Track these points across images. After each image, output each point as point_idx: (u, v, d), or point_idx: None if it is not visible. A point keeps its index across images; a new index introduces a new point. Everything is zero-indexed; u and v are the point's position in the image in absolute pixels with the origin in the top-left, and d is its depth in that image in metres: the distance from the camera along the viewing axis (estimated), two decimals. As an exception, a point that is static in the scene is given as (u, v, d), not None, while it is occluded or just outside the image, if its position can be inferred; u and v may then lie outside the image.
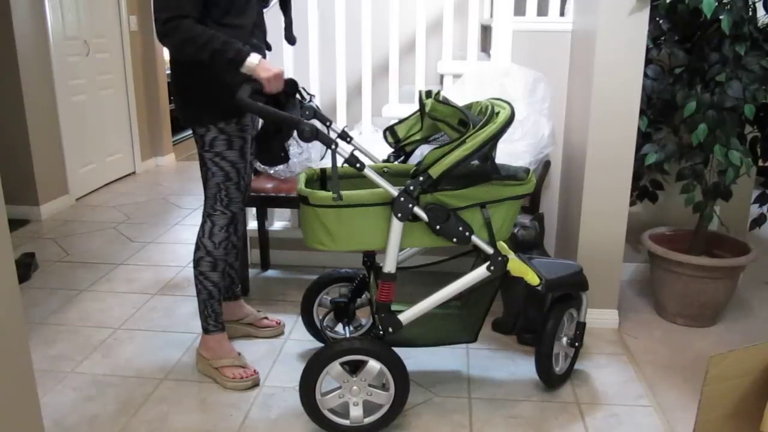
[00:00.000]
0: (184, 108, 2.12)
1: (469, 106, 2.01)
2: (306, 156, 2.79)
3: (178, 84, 2.11)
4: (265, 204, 3.03)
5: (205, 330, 2.27)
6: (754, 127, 2.57)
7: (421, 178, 1.78)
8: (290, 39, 2.28)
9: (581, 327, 2.19)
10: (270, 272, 3.20)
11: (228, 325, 2.48)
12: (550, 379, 2.16)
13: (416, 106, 2.15)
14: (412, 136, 2.18)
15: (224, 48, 1.90)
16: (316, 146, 2.70)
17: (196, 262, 2.20)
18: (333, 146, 1.78)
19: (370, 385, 1.90)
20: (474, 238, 1.87)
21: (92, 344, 2.50)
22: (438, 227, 1.83)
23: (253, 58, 1.92)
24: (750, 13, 2.31)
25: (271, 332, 2.53)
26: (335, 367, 1.87)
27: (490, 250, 1.90)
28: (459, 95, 2.53)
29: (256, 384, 2.22)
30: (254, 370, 2.23)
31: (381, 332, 1.91)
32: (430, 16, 3.43)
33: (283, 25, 2.26)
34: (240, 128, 2.10)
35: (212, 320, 2.26)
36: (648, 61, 2.45)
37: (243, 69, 1.93)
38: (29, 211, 4.00)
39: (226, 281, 2.48)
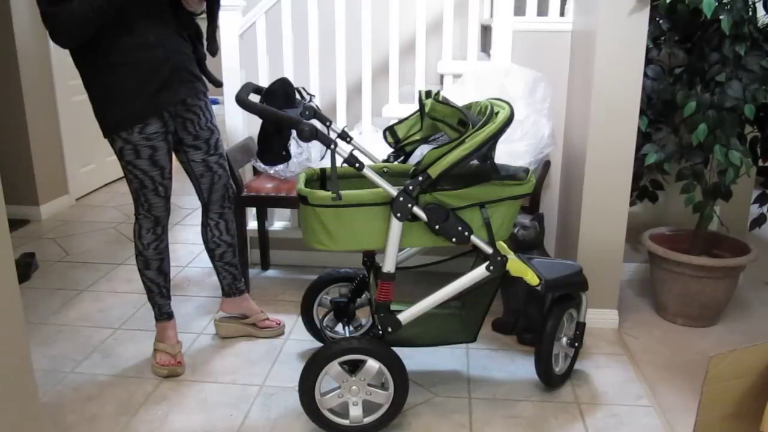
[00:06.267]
0: (96, 117, 2.13)
1: (469, 106, 2.01)
2: (306, 156, 2.79)
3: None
4: (265, 204, 3.03)
5: (155, 317, 2.37)
6: (754, 127, 2.57)
7: (420, 178, 1.78)
8: (211, 50, 2.24)
9: (581, 327, 2.19)
10: (270, 272, 3.20)
11: (230, 323, 2.53)
12: (550, 379, 2.16)
13: (416, 106, 2.15)
14: (412, 136, 2.18)
15: (90, 2, 1.87)
16: (316, 146, 2.70)
17: (136, 259, 2.31)
18: (332, 146, 1.78)
19: (369, 385, 1.90)
20: (473, 237, 1.87)
21: (92, 344, 2.50)
22: (437, 227, 1.83)
23: None
24: (750, 13, 2.30)
25: (272, 333, 2.54)
26: (334, 367, 1.87)
27: (489, 250, 1.90)
28: (459, 95, 2.53)
29: (172, 374, 2.26)
30: (178, 362, 2.28)
31: (380, 332, 1.91)
32: (430, 16, 3.42)
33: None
34: (145, 137, 2.09)
35: (156, 311, 2.37)
36: (648, 61, 2.45)
37: None
38: (29, 211, 3.99)
39: (227, 279, 2.50)
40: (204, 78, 2.25)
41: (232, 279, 2.51)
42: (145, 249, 2.26)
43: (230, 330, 2.53)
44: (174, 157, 2.27)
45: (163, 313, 2.36)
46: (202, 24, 2.24)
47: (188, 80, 2.15)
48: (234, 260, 2.49)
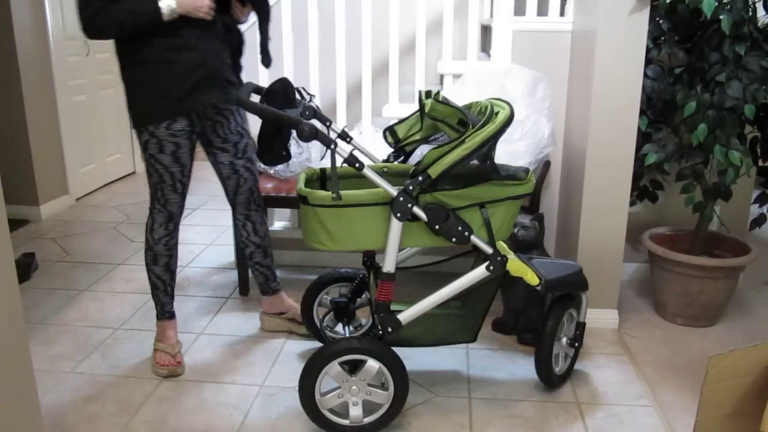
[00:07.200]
0: (127, 108, 2.17)
1: (469, 106, 2.01)
2: (306, 156, 2.79)
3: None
4: (265, 204, 3.02)
5: (156, 315, 2.37)
6: (754, 127, 2.57)
7: (420, 178, 1.78)
8: (264, 62, 2.27)
9: (581, 327, 2.19)
10: (270, 272, 3.20)
11: (270, 318, 2.57)
12: (550, 379, 2.16)
13: (416, 106, 2.15)
14: (412, 136, 2.18)
15: (134, 17, 1.95)
16: (316, 146, 2.70)
17: (145, 254, 2.30)
18: (332, 146, 1.78)
19: (369, 385, 1.90)
20: (473, 237, 1.87)
21: (92, 344, 2.50)
22: (437, 227, 1.83)
23: (166, 3, 1.95)
24: (750, 13, 2.30)
25: (308, 330, 2.51)
26: (334, 367, 1.87)
27: (489, 250, 1.90)
28: (459, 95, 2.53)
29: (172, 374, 2.26)
30: (177, 361, 2.28)
31: (380, 332, 1.91)
32: (430, 16, 3.43)
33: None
34: (171, 133, 2.11)
35: (158, 308, 2.36)
36: (648, 61, 2.45)
37: (166, 18, 1.96)
38: (29, 211, 4.00)
39: (259, 279, 2.54)
40: (238, 84, 2.28)
41: (264, 279, 2.53)
42: (155, 244, 2.26)
43: (272, 324, 2.57)
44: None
45: (165, 312, 2.36)
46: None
47: (222, 85, 2.17)
48: (265, 261, 2.50)
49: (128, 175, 5.16)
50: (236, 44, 2.27)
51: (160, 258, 2.27)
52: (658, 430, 2.00)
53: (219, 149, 2.28)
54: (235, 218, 2.45)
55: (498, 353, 2.44)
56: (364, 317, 2.44)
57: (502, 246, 1.97)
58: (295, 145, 2.65)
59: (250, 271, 3.01)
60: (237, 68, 2.29)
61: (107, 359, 2.39)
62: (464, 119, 1.85)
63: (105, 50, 4.78)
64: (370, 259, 2.24)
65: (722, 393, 1.56)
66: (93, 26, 1.98)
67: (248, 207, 2.40)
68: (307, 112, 1.96)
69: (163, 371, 2.26)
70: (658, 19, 2.48)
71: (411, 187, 1.79)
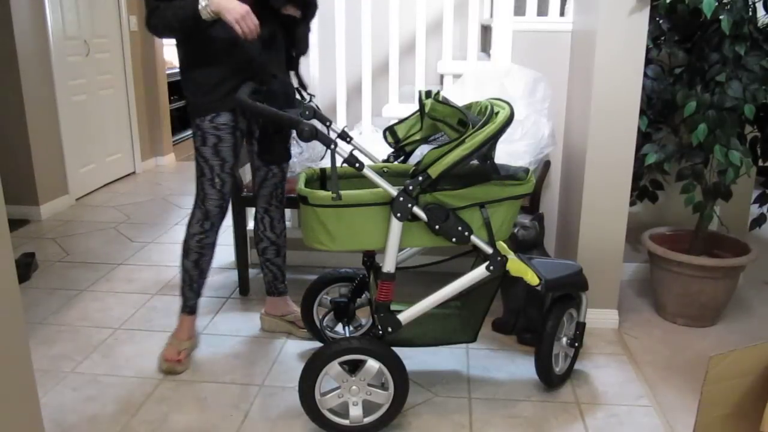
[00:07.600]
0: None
1: (469, 106, 2.01)
2: (306, 156, 2.79)
3: None
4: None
5: (180, 307, 2.39)
6: (754, 127, 2.57)
7: (420, 178, 1.78)
8: (301, 48, 2.29)
9: (581, 327, 2.19)
10: (270, 272, 3.19)
11: (270, 318, 2.58)
12: (550, 379, 2.16)
13: (416, 106, 2.15)
14: (412, 136, 2.18)
15: (177, 13, 1.99)
16: (316, 146, 2.70)
17: (182, 244, 2.32)
18: (332, 146, 1.78)
19: (369, 385, 1.90)
20: (473, 237, 1.87)
21: (92, 344, 2.50)
22: (437, 227, 1.83)
23: (206, 2, 1.97)
24: (750, 13, 2.30)
25: (308, 334, 2.50)
26: (334, 367, 1.87)
27: (489, 250, 1.90)
28: (459, 95, 2.54)
29: (170, 372, 2.28)
30: (178, 360, 2.29)
31: (380, 332, 1.91)
32: (430, 16, 3.43)
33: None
34: (215, 126, 2.15)
35: (181, 301, 2.37)
36: (648, 61, 2.45)
37: (205, 17, 1.98)
38: (29, 211, 4.00)
39: (268, 277, 2.56)
40: (292, 82, 2.29)
41: (273, 278, 2.55)
42: (189, 238, 2.28)
43: (272, 324, 2.58)
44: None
45: (186, 306, 2.37)
46: None
47: (269, 83, 2.18)
48: (276, 260, 2.52)
49: (128, 175, 5.16)
50: (290, 43, 2.28)
51: (190, 253, 2.29)
52: (658, 430, 2.00)
53: (257, 140, 2.32)
54: (256, 210, 2.48)
55: (498, 353, 2.44)
56: (364, 317, 2.44)
57: (502, 246, 1.97)
58: (295, 145, 2.65)
59: (251, 271, 3.02)
60: (292, 65, 2.31)
61: (107, 359, 2.39)
62: (464, 119, 1.85)
63: (105, 50, 4.78)
64: (370, 259, 2.24)
65: (722, 393, 1.56)
66: (149, 25, 2.06)
67: (269, 201, 2.43)
68: (307, 112, 1.96)
69: (163, 365, 2.28)
70: (658, 19, 2.48)
71: (411, 187, 1.79)
